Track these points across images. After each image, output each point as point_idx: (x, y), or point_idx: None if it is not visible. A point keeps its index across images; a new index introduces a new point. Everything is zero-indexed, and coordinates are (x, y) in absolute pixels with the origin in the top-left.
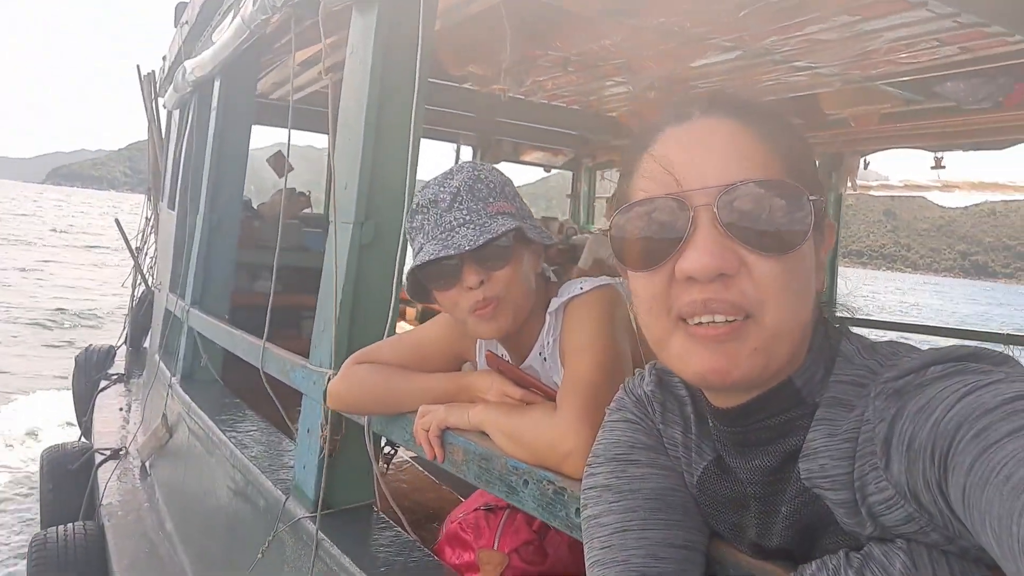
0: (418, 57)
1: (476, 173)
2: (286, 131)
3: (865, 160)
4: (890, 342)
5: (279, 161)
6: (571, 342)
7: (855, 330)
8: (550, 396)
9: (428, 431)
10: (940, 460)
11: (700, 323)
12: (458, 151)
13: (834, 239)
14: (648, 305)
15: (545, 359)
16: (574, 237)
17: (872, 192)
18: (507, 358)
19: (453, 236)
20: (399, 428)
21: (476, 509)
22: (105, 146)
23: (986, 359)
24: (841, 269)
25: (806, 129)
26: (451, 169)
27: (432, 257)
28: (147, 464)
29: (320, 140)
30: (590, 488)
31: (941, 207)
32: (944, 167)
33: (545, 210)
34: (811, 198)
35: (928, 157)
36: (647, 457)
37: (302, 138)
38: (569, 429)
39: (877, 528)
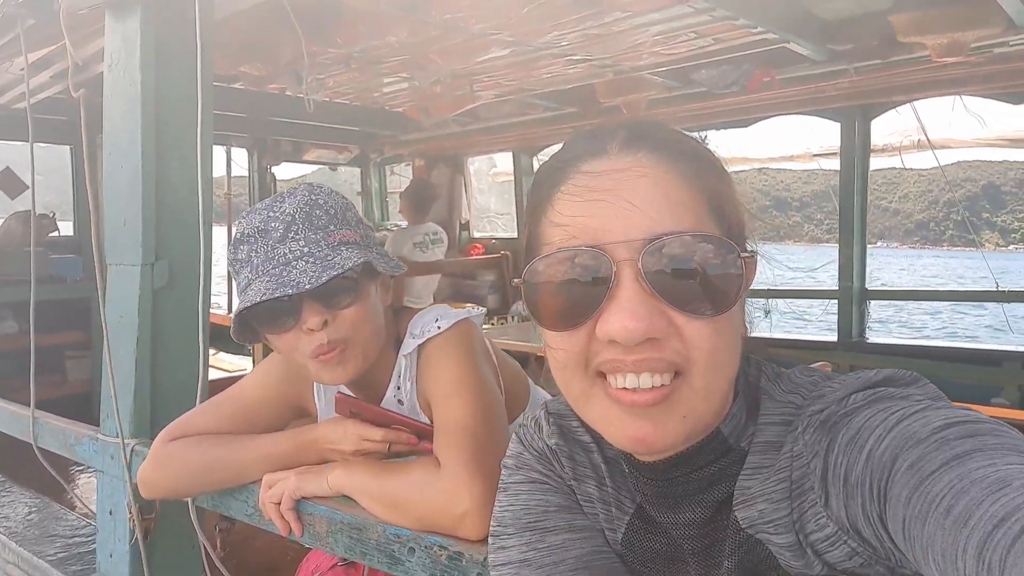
0: (199, 61)
1: (312, 198)
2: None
3: None
4: (803, 369)
5: (8, 180)
6: (438, 389)
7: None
8: (419, 429)
9: (279, 504)
10: (879, 493)
11: (624, 387)
12: (228, 154)
13: (754, 274)
14: (564, 361)
15: (402, 403)
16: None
17: None
18: None
19: (289, 271)
20: (236, 502)
21: (333, 566)
22: None
23: (900, 381)
24: None
25: (584, 118)
26: (281, 193)
27: (264, 297)
28: None
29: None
30: (503, 564)
31: None
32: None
33: None
34: (743, 254)
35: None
36: (564, 521)
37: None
38: (460, 487)
39: (824, 567)
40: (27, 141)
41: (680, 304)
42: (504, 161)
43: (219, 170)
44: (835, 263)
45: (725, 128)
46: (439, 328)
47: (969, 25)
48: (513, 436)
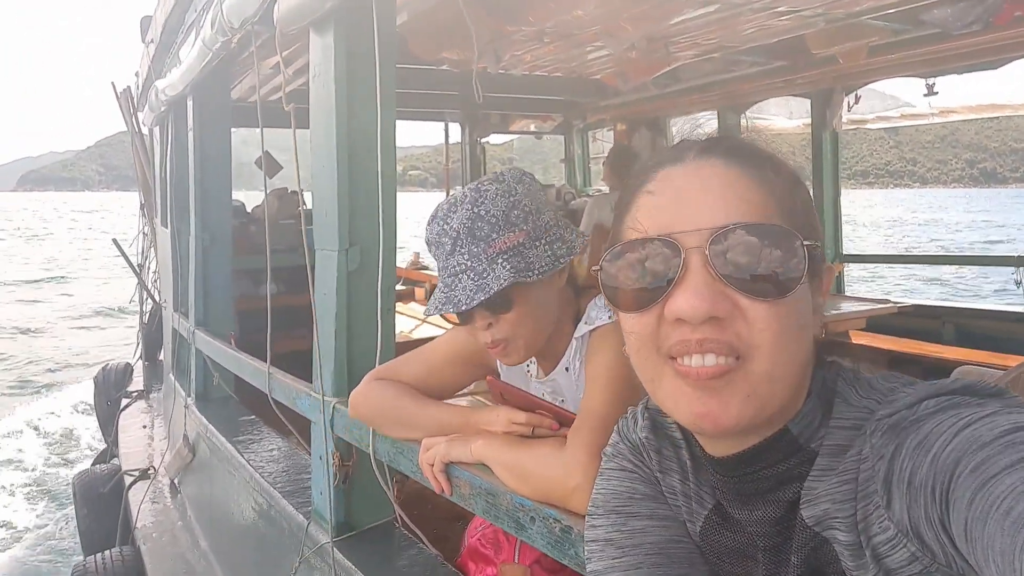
0: (377, 74)
1: (476, 210)
2: (280, 130)
3: (856, 94)
4: (886, 375)
5: (267, 162)
6: (591, 372)
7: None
8: (560, 416)
9: (432, 465)
10: (941, 496)
11: (690, 364)
12: (447, 128)
13: (831, 282)
14: (638, 344)
15: (569, 371)
16: (572, 202)
17: (869, 126)
18: (535, 367)
19: (455, 285)
20: (405, 459)
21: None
22: (73, 146)
23: (980, 392)
24: (847, 192)
25: (794, 71)
26: (454, 200)
27: (435, 312)
28: (176, 482)
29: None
30: (592, 541)
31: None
32: (937, 93)
33: (541, 176)
34: (805, 243)
35: (920, 84)
36: (647, 508)
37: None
38: (577, 464)
39: (881, 571)
40: (288, 127)
41: (744, 287)
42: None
43: (439, 141)
44: None
45: (967, 72)
46: (609, 318)
47: None
48: (616, 426)
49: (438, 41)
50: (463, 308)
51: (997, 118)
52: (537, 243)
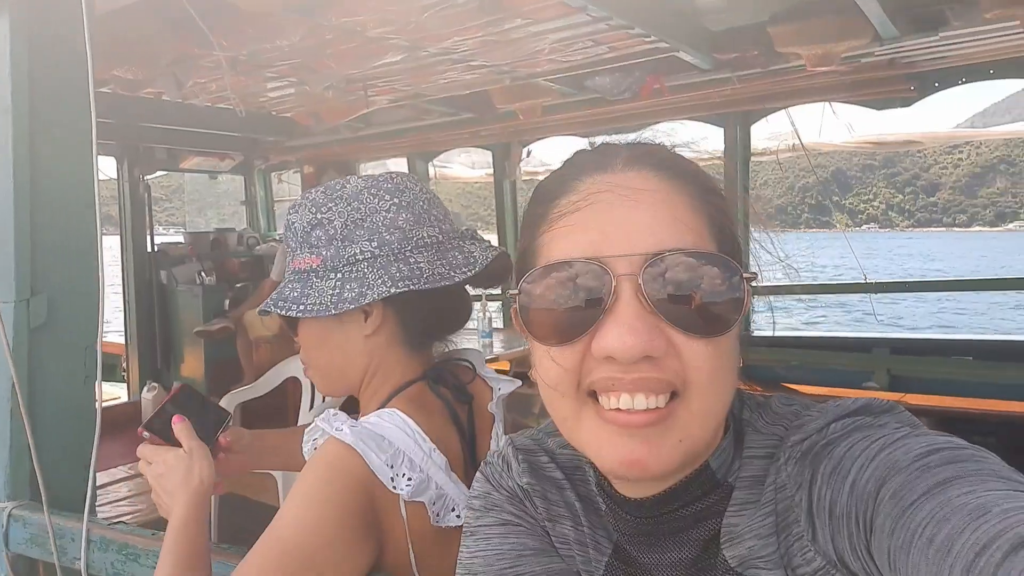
0: (89, 63)
1: (290, 216)
2: None
3: (528, 149)
4: (783, 398)
5: None
6: (290, 493)
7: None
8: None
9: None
10: (865, 524)
11: (618, 408)
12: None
13: (750, 299)
14: (556, 380)
15: None
16: (257, 248)
17: (539, 177)
18: None
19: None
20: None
21: None
22: None
23: (876, 410)
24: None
25: (479, 123)
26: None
27: (268, 307)
28: None
29: None
30: None
31: None
32: None
33: (220, 221)
34: (745, 276)
35: (583, 143)
36: (539, 566)
37: None
38: None
39: None
40: None
41: (680, 323)
42: (399, 167)
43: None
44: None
45: (615, 133)
46: (336, 430)
47: (840, 37)
48: (478, 475)
49: (110, 56)
50: (271, 311)
51: None
52: (330, 275)
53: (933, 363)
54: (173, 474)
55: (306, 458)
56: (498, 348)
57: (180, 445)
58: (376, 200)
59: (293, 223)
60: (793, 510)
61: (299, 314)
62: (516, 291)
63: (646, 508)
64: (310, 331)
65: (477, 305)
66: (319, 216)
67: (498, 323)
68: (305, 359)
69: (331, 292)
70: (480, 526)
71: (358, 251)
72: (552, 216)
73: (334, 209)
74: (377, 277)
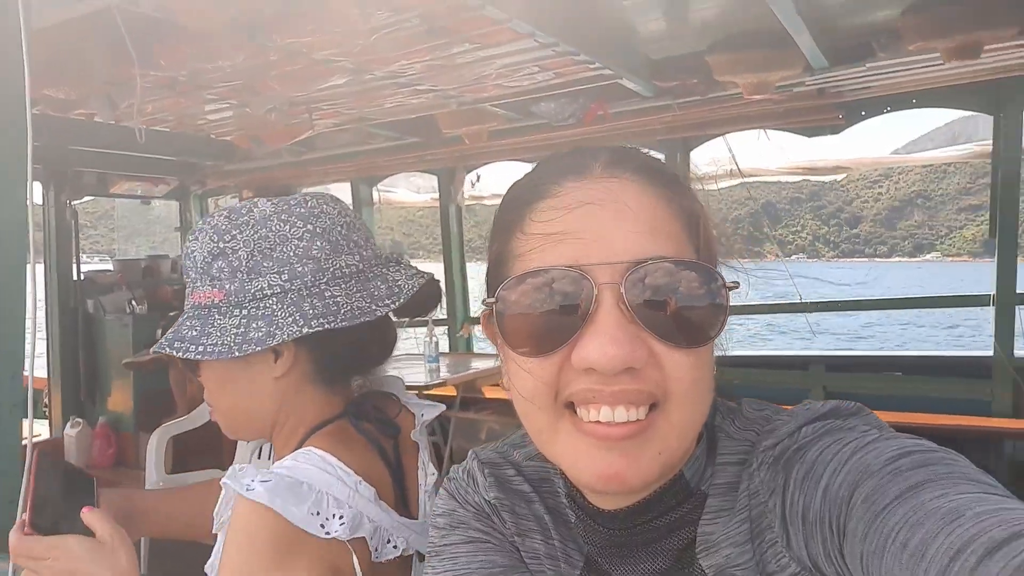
0: (26, 73)
1: (189, 244)
2: None
3: (477, 174)
4: (753, 403)
5: None
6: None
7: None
8: None
9: None
10: (839, 529)
11: (597, 421)
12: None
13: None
14: (532, 391)
15: None
16: None
17: (485, 202)
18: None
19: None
20: None
21: None
22: None
23: (844, 412)
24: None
25: (425, 148)
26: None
27: (161, 348)
28: None
29: None
30: None
31: None
32: None
33: (151, 248)
34: (727, 285)
35: (527, 168)
36: None
37: None
38: None
39: None
40: None
41: (662, 332)
42: (342, 194)
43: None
44: None
45: None
46: (262, 482)
47: (774, 67)
48: (441, 492)
49: (41, 75)
50: (166, 351)
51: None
52: (233, 312)
53: (866, 379)
54: (91, 563)
55: (223, 520)
56: (444, 373)
57: (68, 531)
58: (287, 227)
59: (192, 252)
60: (767, 516)
61: (198, 356)
62: (492, 299)
63: (619, 520)
64: (212, 372)
65: (423, 330)
66: (221, 245)
67: (444, 347)
68: (209, 401)
69: (235, 331)
70: (446, 545)
71: (265, 285)
72: (527, 221)
73: (238, 237)
74: (287, 315)
